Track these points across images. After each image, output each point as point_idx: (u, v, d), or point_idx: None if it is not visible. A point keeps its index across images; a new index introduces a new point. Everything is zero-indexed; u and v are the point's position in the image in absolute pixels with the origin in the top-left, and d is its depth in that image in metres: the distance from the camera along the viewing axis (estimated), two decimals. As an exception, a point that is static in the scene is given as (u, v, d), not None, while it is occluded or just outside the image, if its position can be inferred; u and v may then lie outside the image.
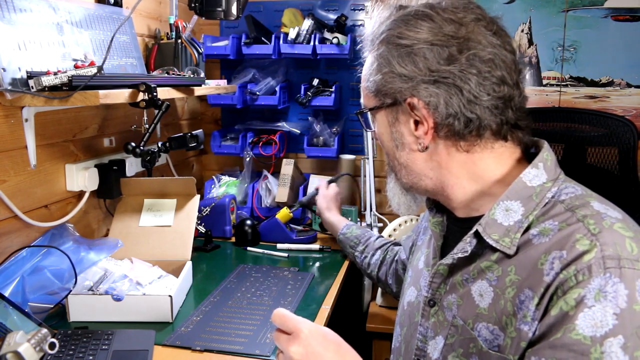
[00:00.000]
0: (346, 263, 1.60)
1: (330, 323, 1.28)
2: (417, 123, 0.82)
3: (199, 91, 1.69)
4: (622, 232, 0.70)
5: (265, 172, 2.04)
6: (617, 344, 0.64)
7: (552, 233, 0.73)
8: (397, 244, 1.42)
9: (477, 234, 0.80)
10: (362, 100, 0.93)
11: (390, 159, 0.90)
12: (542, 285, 0.70)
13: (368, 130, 0.94)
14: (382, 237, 1.53)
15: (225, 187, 2.03)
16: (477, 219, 0.82)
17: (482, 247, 0.81)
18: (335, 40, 1.96)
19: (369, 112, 0.89)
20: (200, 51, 1.85)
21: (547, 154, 0.83)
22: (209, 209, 1.74)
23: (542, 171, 0.81)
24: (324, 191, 1.74)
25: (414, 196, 0.96)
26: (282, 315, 0.81)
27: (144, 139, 1.48)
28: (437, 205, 0.94)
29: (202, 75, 1.76)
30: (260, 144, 2.10)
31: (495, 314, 0.77)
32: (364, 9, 2.08)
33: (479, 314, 0.79)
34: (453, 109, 0.79)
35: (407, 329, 0.95)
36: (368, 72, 0.86)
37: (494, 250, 0.79)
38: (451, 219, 0.92)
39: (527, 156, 0.86)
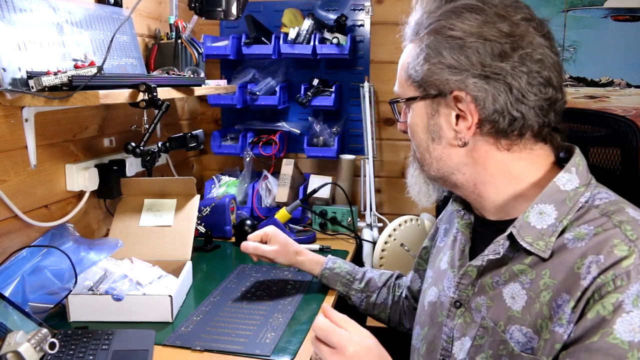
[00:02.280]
0: (346, 263, 1.59)
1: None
2: (458, 117, 0.81)
3: (199, 91, 1.69)
4: None
5: (265, 172, 2.04)
6: None
7: (588, 237, 0.73)
8: (399, 276, 1.32)
9: (510, 236, 0.80)
10: (396, 89, 0.91)
11: (421, 151, 0.88)
12: (579, 289, 0.71)
13: (398, 121, 0.94)
14: (377, 271, 1.36)
15: (225, 187, 2.03)
16: (508, 222, 0.82)
17: (514, 250, 0.81)
18: (335, 41, 1.96)
19: (404, 102, 0.88)
20: (200, 51, 1.85)
21: (579, 159, 0.83)
22: (209, 209, 1.74)
23: (575, 176, 0.80)
24: (273, 242, 1.38)
25: (435, 185, 0.94)
26: (326, 329, 0.82)
27: (144, 139, 1.48)
28: (465, 206, 0.94)
29: (202, 75, 1.77)
30: (260, 144, 2.10)
31: (530, 317, 0.76)
32: (364, 9, 2.08)
33: (512, 316, 0.79)
34: (500, 105, 0.78)
35: (429, 329, 0.94)
36: (412, 61, 0.84)
37: (528, 253, 0.79)
38: (478, 221, 0.92)
39: (558, 160, 0.86)
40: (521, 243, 0.78)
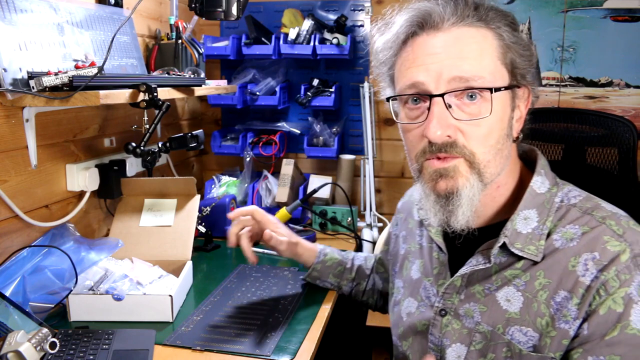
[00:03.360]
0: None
1: (331, 323, 1.29)
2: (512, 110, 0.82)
3: (199, 91, 1.69)
4: (637, 228, 0.76)
5: (265, 172, 2.05)
6: None
7: (577, 237, 0.76)
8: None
9: (503, 245, 0.81)
10: (476, 72, 0.76)
11: (494, 151, 0.78)
12: (581, 286, 0.74)
13: (472, 115, 0.77)
14: (361, 255, 1.34)
15: (225, 187, 2.03)
16: (482, 228, 0.83)
17: (502, 256, 0.82)
18: (335, 41, 1.96)
19: (501, 90, 0.77)
20: (201, 51, 1.85)
21: (543, 160, 0.86)
22: (209, 209, 1.74)
23: (545, 177, 0.83)
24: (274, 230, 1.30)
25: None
26: None
27: (145, 139, 1.48)
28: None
29: (203, 75, 1.77)
30: (260, 144, 2.10)
31: (529, 317, 0.78)
32: (364, 9, 2.09)
33: (510, 318, 0.79)
34: (534, 100, 0.84)
35: (413, 340, 0.94)
36: (506, 45, 0.78)
37: (518, 258, 0.80)
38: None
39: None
40: (513, 251, 0.80)
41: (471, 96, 0.76)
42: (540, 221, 0.80)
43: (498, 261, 0.82)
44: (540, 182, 0.82)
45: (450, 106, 0.76)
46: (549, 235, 0.79)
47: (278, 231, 1.29)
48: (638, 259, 0.72)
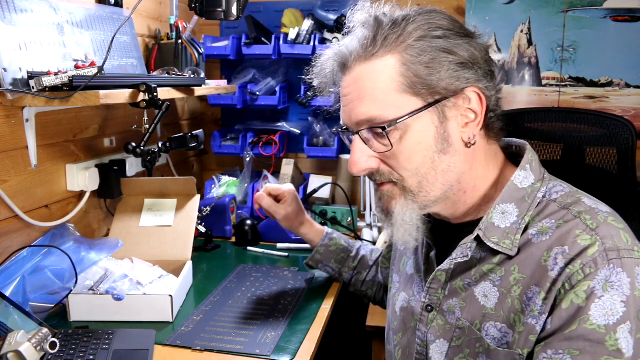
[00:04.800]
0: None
1: (331, 323, 1.29)
2: (462, 117, 0.80)
3: (199, 91, 1.69)
4: (615, 224, 0.74)
5: (265, 172, 2.05)
6: (627, 330, 0.68)
7: (551, 231, 0.76)
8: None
9: (476, 238, 0.81)
10: (377, 113, 0.77)
11: (423, 171, 0.79)
12: (548, 280, 0.73)
13: (371, 155, 0.81)
14: (369, 247, 1.36)
15: (225, 187, 2.04)
16: (468, 223, 0.84)
17: (482, 251, 0.82)
18: (335, 41, 1.96)
19: (405, 120, 0.77)
20: (201, 51, 1.86)
21: (531, 155, 0.85)
22: (209, 209, 1.74)
23: (530, 172, 0.83)
24: (283, 200, 1.36)
25: (423, 217, 0.85)
26: None
27: (145, 139, 1.48)
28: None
29: (203, 75, 1.77)
30: (261, 144, 2.10)
31: (503, 313, 0.78)
32: (363, 10, 2.08)
33: (486, 314, 0.80)
34: (493, 96, 0.81)
35: (403, 334, 0.95)
36: (406, 70, 0.76)
37: (495, 252, 0.80)
38: (438, 225, 0.92)
39: (509, 158, 0.88)
40: (488, 244, 0.80)
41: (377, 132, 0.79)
42: (519, 216, 0.79)
43: (478, 256, 0.82)
44: (523, 177, 0.82)
45: (368, 140, 0.81)
46: (526, 229, 0.79)
47: (284, 202, 1.35)
48: (609, 254, 0.70)
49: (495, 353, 0.77)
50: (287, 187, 1.38)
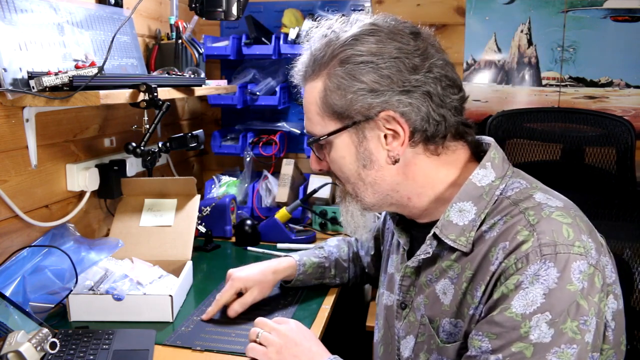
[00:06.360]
0: (346, 263, 1.60)
1: (330, 323, 1.29)
2: (385, 137, 0.83)
3: (199, 91, 1.69)
4: (560, 219, 0.75)
5: (265, 172, 2.05)
6: (544, 320, 0.71)
7: (499, 227, 0.78)
8: (355, 243, 1.39)
9: (436, 236, 0.84)
10: (310, 129, 0.90)
11: (353, 181, 0.88)
12: (488, 274, 0.76)
13: (320, 160, 0.92)
14: (333, 244, 1.38)
15: (225, 187, 2.04)
16: (435, 222, 0.86)
17: (443, 248, 0.85)
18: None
19: (327, 138, 0.87)
20: (201, 51, 1.86)
21: (494, 153, 0.87)
22: (209, 209, 1.74)
23: (490, 170, 0.84)
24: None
25: (368, 216, 0.95)
26: (252, 332, 0.98)
27: (145, 139, 1.48)
28: (400, 215, 0.97)
29: (203, 75, 1.77)
30: (261, 144, 2.10)
31: (457, 308, 0.81)
32: (364, 9, 2.09)
33: (444, 310, 0.83)
34: (424, 113, 0.82)
35: (385, 331, 0.98)
36: (327, 95, 0.84)
37: (453, 249, 0.83)
38: (412, 225, 0.95)
39: (477, 156, 0.89)
40: (445, 240, 0.83)
41: None
42: (477, 213, 0.81)
43: (440, 253, 0.85)
44: (482, 174, 0.84)
45: (315, 148, 0.93)
46: (480, 226, 0.81)
47: (245, 290, 1.24)
48: (543, 249, 0.72)
49: (444, 349, 0.82)
50: (235, 280, 1.23)
